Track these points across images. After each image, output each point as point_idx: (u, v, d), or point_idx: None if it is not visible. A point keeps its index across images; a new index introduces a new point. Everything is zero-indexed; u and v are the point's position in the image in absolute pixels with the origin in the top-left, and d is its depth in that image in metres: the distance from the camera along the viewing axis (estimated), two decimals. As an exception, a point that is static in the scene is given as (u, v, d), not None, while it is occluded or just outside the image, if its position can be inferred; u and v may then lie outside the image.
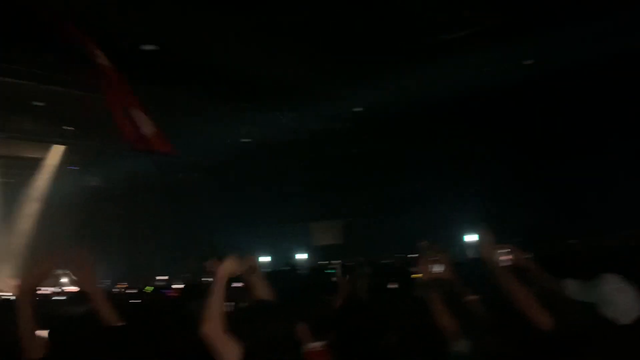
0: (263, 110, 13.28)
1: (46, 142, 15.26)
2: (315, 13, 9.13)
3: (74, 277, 2.79)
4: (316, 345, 2.91)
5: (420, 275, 3.08)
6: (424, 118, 12.70)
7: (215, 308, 2.45)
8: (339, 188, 15.55)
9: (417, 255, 3.14)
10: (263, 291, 3.38)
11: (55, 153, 15.69)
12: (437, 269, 3.02)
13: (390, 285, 3.87)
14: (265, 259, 16.67)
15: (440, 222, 12.76)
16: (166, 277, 12.49)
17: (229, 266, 2.59)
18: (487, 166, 13.40)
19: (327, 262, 12.23)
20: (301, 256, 16.79)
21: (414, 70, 10.47)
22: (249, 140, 15.46)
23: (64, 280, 16.14)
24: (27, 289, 2.44)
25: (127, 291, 9.16)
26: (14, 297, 2.59)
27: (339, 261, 12.33)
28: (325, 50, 10.31)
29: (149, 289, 6.61)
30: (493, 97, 11.61)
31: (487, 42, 9.91)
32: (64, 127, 14.35)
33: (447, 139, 13.56)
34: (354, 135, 14.49)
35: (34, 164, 16.46)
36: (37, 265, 2.48)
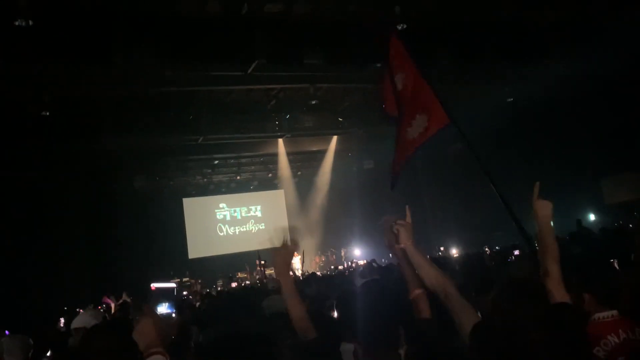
0: (526, 64, 12.22)
1: (325, 135, 17.03)
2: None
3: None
4: (605, 315, 2.63)
5: None
6: None
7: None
8: (633, 134, 13.11)
9: None
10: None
11: (333, 143, 17.48)
12: None
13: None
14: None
15: None
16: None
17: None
18: None
19: (620, 222, 10.63)
20: (591, 217, 15.00)
21: None
22: (511, 99, 14.50)
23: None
24: (281, 270, 2.62)
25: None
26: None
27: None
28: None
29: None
30: None
31: None
32: (339, 119, 15.75)
33: None
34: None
35: (318, 156, 18.68)
36: (283, 246, 2.61)
